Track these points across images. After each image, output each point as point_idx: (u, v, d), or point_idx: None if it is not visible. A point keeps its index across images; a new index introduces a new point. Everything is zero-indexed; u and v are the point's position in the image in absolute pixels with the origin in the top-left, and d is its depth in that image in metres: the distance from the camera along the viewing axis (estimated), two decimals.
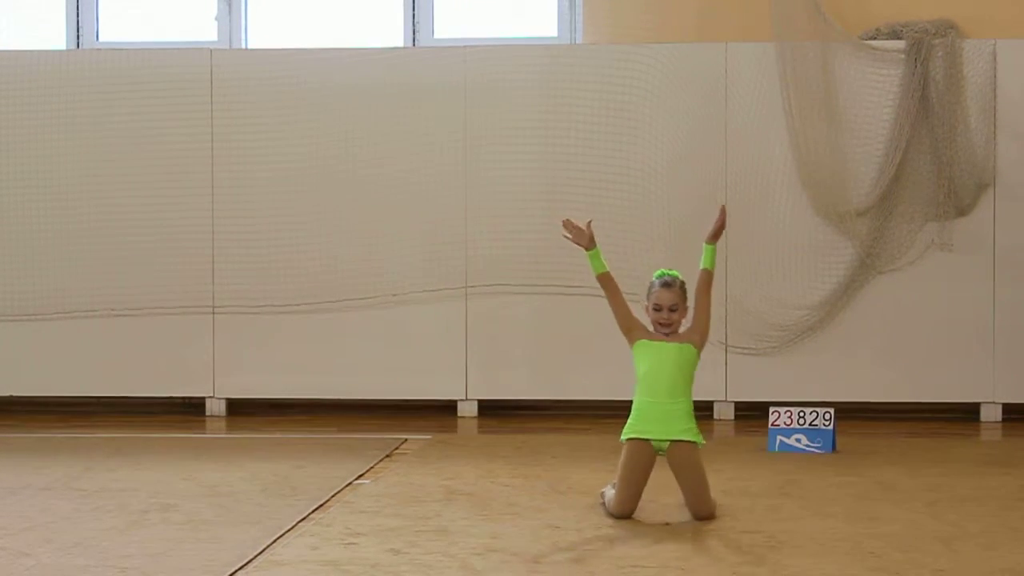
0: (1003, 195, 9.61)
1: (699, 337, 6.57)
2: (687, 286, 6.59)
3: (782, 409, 8.42)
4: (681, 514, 6.43)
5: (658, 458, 6.47)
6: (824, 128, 9.58)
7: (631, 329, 6.58)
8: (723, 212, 6.64)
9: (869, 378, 9.69)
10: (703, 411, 9.61)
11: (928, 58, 9.57)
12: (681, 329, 6.57)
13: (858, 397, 9.69)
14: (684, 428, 6.44)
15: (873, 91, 9.63)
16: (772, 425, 8.40)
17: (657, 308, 6.52)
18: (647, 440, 6.43)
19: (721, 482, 7.16)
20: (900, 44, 9.66)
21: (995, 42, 9.62)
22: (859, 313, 9.69)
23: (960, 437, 9.07)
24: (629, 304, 6.64)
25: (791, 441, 8.32)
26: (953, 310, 9.64)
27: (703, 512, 6.39)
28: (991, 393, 9.67)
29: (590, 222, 6.68)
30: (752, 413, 9.52)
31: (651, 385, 6.48)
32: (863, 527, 6.20)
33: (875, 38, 9.84)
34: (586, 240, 6.61)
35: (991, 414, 9.67)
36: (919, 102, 9.55)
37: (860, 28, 9.94)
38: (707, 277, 6.61)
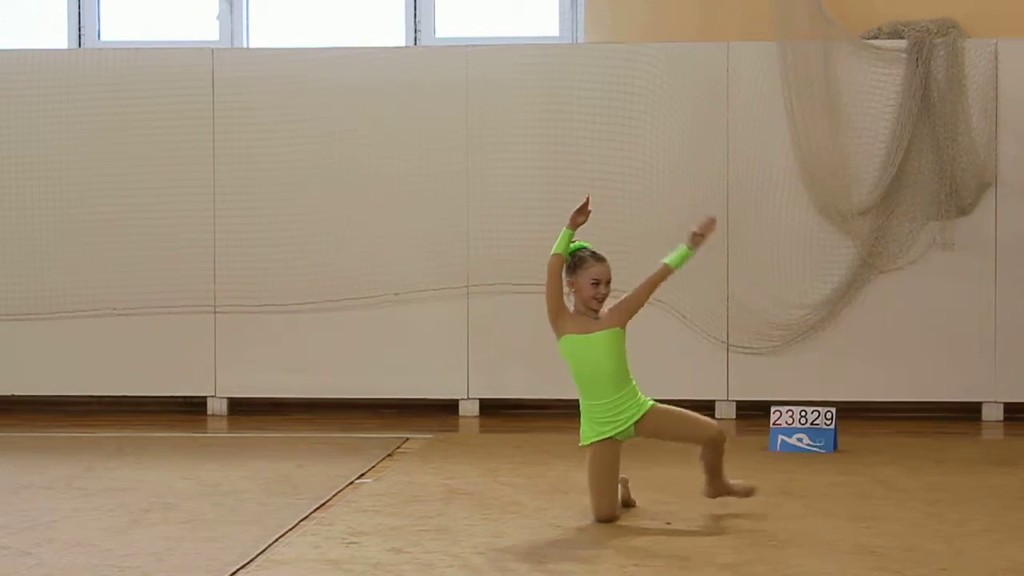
0: (1005, 194, 9.61)
1: (626, 316, 6.42)
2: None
3: (783, 408, 8.43)
4: (682, 514, 6.43)
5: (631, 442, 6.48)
6: (826, 127, 9.58)
7: (559, 316, 6.44)
8: (712, 223, 6.54)
9: (871, 377, 9.69)
10: (705, 411, 9.61)
11: (930, 57, 9.57)
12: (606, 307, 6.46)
13: (860, 396, 9.69)
14: (638, 405, 6.41)
15: (875, 90, 9.64)
16: (774, 424, 8.41)
17: (595, 283, 6.38)
18: (610, 438, 6.42)
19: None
20: (902, 43, 9.66)
21: (996, 41, 9.63)
22: (861, 312, 9.69)
23: (962, 436, 9.07)
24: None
25: (792, 440, 8.32)
26: (955, 309, 9.64)
27: (711, 434, 6.34)
28: (993, 392, 9.67)
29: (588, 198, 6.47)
30: (754, 412, 9.53)
31: (593, 387, 6.40)
32: (865, 526, 6.20)
33: (876, 37, 9.84)
34: (583, 221, 6.42)
35: (993, 413, 9.67)
36: (921, 101, 9.56)
37: (862, 27, 9.94)
38: (665, 273, 6.47)
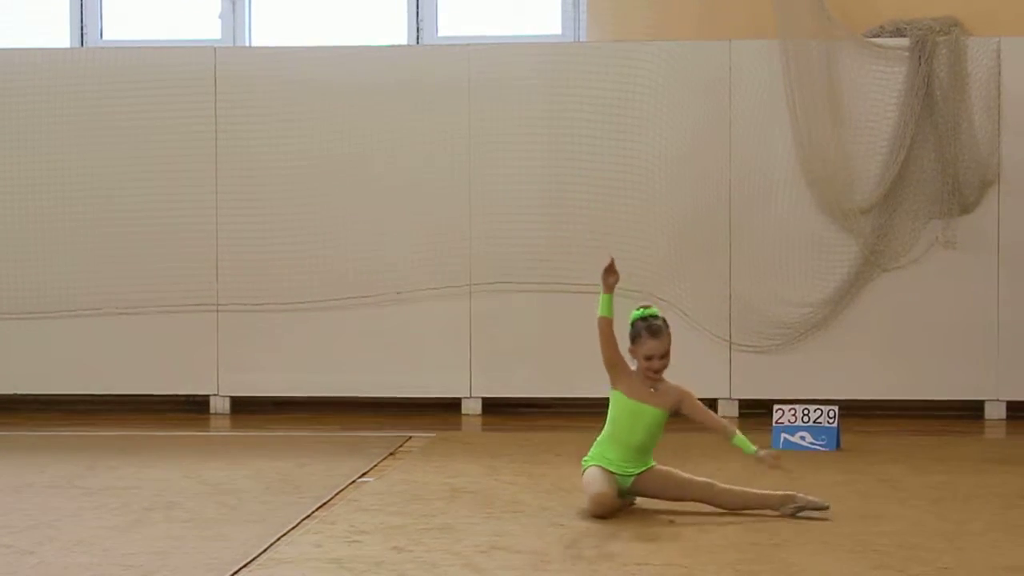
0: (1007, 192, 9.61)
1: (674, 408, 6.46)
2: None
3: (786, 407, 8.43)
4: (683, 512, 6.42)
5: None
6: (828, 125, 9.58)
7: (615, 367, 6.48)
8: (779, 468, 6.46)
9: (873, 376, 9.69)
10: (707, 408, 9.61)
11: (932, 55, 9.56)
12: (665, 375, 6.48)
13: (862, 395, 9.69)
14: (645, 466, 6.50)
15: (877, 88, 9.64)
16: (776, 423, 8.40)
17: (649, 358, 6.42)
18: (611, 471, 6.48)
19: (725, 480, 7.14)
20: (904, 42, 9.66)
21: (999, 40, 9.62)
22: (863, 310, 9.68)
23: (964, 435, 9.06)
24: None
25: (795, 439, 8.32)
26: (957, 307, 9.64)
27: (703, 495, 6.41)
28: (995, 391, 9.67)
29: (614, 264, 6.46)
30: (756, 411, 9.52)
31: (620, 442, 6.45)
32: (867, 524, 6.19)
33: (879, 35, 9.84)
34: (614, 281, 6.43)
35: (995, 412, 9.67)
36: (923, 99, 9.55)
37: (864, 25, 9.94)
38: (727, 436, 6.44)
